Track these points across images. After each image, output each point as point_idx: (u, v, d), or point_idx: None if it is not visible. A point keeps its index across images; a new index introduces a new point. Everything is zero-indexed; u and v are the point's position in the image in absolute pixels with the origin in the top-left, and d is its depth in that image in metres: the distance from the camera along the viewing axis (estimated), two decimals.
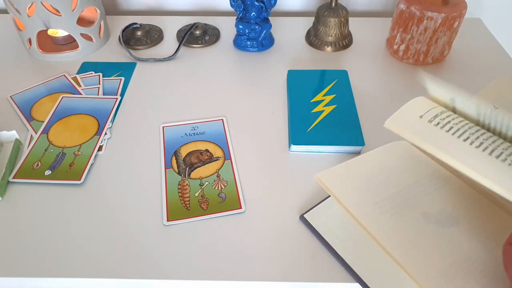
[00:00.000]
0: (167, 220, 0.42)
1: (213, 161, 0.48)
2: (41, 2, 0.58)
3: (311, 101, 0.54)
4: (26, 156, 0.48)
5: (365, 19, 0.75)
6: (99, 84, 0.59)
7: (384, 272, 0.36)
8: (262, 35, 0.65)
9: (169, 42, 0.69)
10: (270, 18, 0.69)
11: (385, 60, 0.65)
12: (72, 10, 0.60)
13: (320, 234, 0.40)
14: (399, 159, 0.43)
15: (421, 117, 0.39)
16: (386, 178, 0.41)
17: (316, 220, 0.41)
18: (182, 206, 0.43)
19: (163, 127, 0.52)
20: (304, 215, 0.41)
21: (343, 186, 0.39)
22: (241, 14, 0.65)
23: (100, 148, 0.49)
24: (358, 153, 0.49)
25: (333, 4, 0.65)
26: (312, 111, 0.52)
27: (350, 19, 0.74)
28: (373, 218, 0.37)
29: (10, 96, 0.57)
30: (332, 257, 0.39)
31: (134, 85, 0.60)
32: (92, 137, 0.50)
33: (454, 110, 0.40)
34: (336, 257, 0.38)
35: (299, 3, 0.80)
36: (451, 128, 0.37)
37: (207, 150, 0.49)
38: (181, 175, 0.46)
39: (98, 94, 0.57)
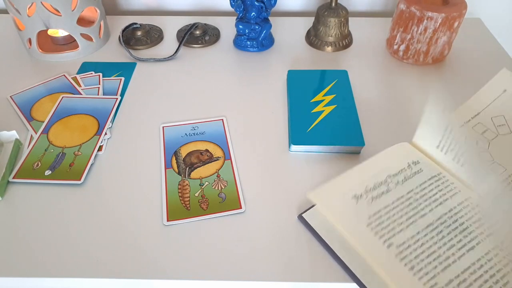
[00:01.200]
0: (167, 220, 0.42)
1: (213, 161, 0.48)
2: (41, 2, 0.58)
3: (311, 101, 0.54)
4: (26, 156, 0.48)
5: (365, 19, 0.75)
6: (99, 84, 0.59)
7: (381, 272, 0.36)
8: (262, 35, 0.65)
9: (169, 42, 0.69)
10: (270, 18, 0.69)
11: (385, 60, 0.65)
12: (72, 10, 0.60)
13: (318, 234, 0.40)
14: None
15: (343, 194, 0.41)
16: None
17: (315, 219, 0.41)
18: (182, 206, 0.43)
19: (163, 127, 0.53)
20: (303, 215, 0.41)
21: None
22: (241, 14, 0.65)
23: (100, 148, 0.49)
24: (358, 153, 0.49)
25: (333, 4, 0.65)
26: (312, 111, 0.52)
27: (350, 19, 0.74)
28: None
29: (10, 96, 0.57)
30: (330, 257, 0.39)
31: (134, 85, 0.60)
32: (92, 137, 0.50)
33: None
34: (334, 257, 0.38)
35: (299, 3, 0.80)
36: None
37: (207, 150, 0.49)
38: (181, 175, 0.46)
39: (98, 94, 0.57)
